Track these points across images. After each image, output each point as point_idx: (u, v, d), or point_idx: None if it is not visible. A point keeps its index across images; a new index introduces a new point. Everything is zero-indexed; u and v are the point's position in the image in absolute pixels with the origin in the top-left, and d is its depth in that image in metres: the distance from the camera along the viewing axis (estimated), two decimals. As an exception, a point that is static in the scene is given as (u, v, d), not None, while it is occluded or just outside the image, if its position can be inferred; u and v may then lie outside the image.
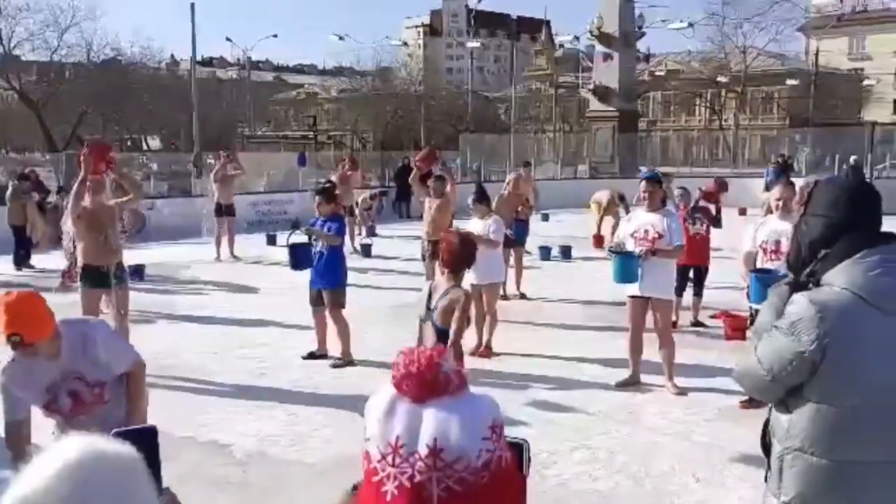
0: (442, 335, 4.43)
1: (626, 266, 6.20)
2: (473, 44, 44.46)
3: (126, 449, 1.14)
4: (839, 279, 2.11)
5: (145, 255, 12.72)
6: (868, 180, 19.69)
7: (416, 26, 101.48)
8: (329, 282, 7.16)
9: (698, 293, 8.62)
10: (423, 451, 1.60)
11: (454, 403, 1.63)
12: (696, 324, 8.52)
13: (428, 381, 1.63)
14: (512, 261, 9.81)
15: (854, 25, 59.29)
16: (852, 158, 22.20)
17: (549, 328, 8.75)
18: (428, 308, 4.54)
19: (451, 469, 1.59)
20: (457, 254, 4.44)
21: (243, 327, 8.72)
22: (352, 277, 11.47)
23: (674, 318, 8.43)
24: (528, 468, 1.94)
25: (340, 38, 36.01)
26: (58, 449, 1.10)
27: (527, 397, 6.33)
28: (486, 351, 7.49)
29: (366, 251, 14.15)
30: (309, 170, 22.90)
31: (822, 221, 2.18)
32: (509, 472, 1.71)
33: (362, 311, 8.19)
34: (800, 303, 2.13)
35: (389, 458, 1.64)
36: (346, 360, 7.19)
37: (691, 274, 8.50)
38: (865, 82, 57.11)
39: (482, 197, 7.96)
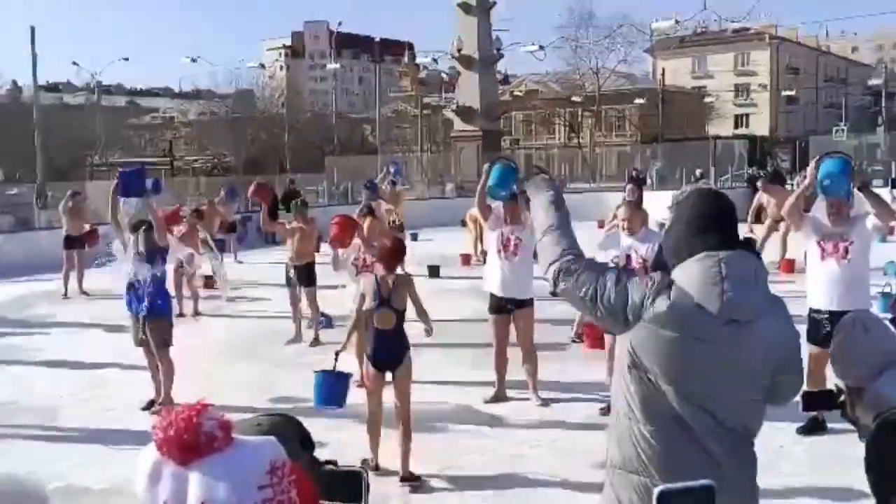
0: (400, 315, 5.07)
1: None
2: (334, 65, 44.31)
3: None
4: (679, 275, 2.15)
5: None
6: (719, 191, 21.14)
7: (277, 48, 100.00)
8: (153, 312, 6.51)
9: None
10: None
11: (222, 459, 1.53)
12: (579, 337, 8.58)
13: (188, 443, 1.51)
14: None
15: (695, 46, 63.65)
16: (697, 171, 23.69)
17: (416, 347, 8.71)
18: (381, 301, 5.02)
19: None
20: (393, 254, 5.23)
21: (93, 369, 8.17)
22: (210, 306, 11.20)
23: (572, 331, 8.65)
24: (366, 497, 1.90)
25: (193, 60, 34.87)
26: None
27: (389, 421, 6.21)
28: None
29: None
30: (165, 197, 21.92)
31: (677, 232, 2.26)
32: None
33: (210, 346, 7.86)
34: (648, 277, 2.20)
35: None
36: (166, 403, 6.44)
37: None
38: (707, 99, 61.28)
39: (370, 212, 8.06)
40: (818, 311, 5.40)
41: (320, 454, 2.05)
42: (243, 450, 1.56)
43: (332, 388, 5.20)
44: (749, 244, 2.26)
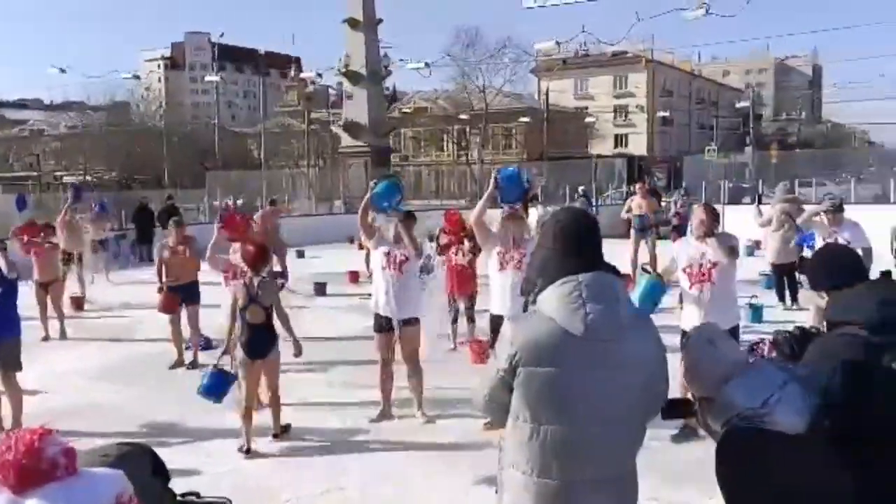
0: (267, 311, 5.89)
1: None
2: (214, 77, 43.11)
3: None
4: (542, 304, 2.22)
5: None
6: (593, 208, 21.63)
7: (156, 59, 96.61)
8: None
9: (471, 319, 8.81)
10: None
11: (63, 490, 1.44)
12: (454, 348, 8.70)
13: (27, 468, 1.43)
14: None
15: (577, 68, 66.00)
16: (580, 188, 24.38)
17: (301, 367, 8.51)
18: (251, 299, 5.84)
19: None
20: (256, 257, 5.97)
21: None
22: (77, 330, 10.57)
23: (452, 346, 8.63)
24: None
25: (62, 71, 33.08)
26: None
27: (273, 444, 6.05)
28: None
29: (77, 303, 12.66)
30: (30, 213, 20.62)
31: (543, 252, 2.32)
32: None
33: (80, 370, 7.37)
34: (504, 326, 2.25)
35: None
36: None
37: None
38: (588, 119, 63.59)
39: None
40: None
41: (190, 483, 1.94)
42: (87, 481, 1.48)
43: (216, 381, 5.87)
44: (609, 264, 2.34)
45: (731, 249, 5.67)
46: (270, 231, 13.03)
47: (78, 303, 12.40)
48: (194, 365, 8.42)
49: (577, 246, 2.25)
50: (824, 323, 2.57)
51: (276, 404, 6.05)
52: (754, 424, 2.15)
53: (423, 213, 23.48)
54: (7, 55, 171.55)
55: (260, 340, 5.82)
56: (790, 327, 2.66)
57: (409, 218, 6.52)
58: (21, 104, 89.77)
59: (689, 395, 2.47)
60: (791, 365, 2.39)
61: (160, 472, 1.75)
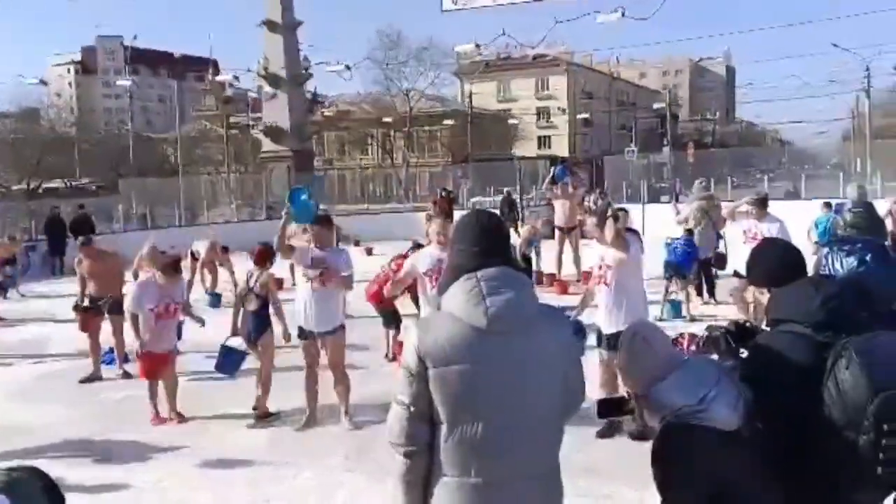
0: (262, 300, 6.69)
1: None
2: (125, 82, 41.75)
3: None
4: (445, 302, 2.22)
5: None
6: (519, 210, 21.80)
7: (66, 63, 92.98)
8: None
9: (396, 325, 8.61)
10: None
11: None
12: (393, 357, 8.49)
13: None
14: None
15: (499, 71, 66.69)
16: (505, 190, 24.63)
17: (216, 381, 8.30)
18: (249, 289, 6.73)
19: None
20: (261, 256, 6.92)
21: None
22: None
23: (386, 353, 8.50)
24: None
25: (-38, 75, 31.64)
26: None
27: (195, 459, 5.86)
28: None
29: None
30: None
31: (456, 250, 2.33)
32: None
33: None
34: (409, 329, 2.27)
35: None
36: None
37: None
38: (512, 121, 64.33)
39: None
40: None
41: (108, 499, 1.83)
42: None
43: (228, 358, 6.89)
44: (513, 261, 2.35)
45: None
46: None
47: None
48: (126, 375, 8.15)
49: (480, 244, 2.28)
50: (756, 318, 2.60)
51: (265, 389, 6.72)
52: (691, 421, 2.17)
53: (347, 219, 23.42)
54: None
55: (256, 325, 6.65)
56: (710, 323, 2.69)
57: (326, 223, 6.39)
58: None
59: (625, 393, 2.48)
60: (727, 361, 2.42)
61: (54, 496, 1.64)
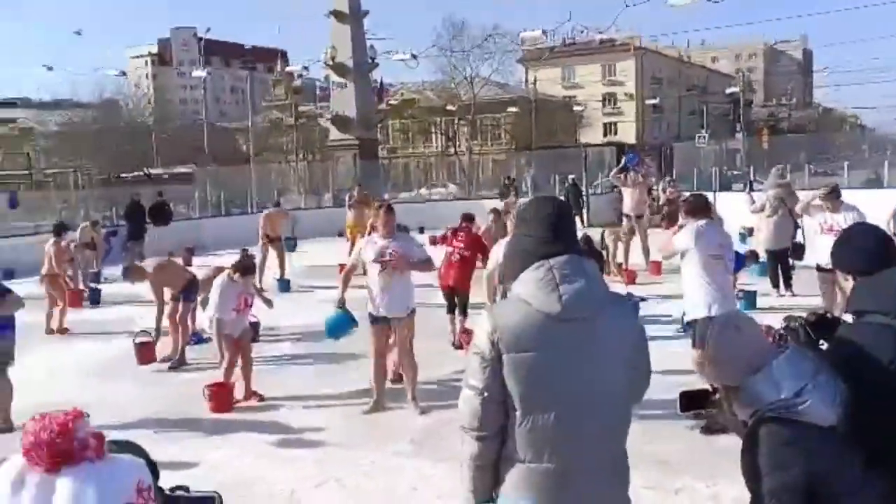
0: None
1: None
2: (200, 73, 42.79)
3: None
4: (517, 289, 2.23)
5: None
6: (583, 197, 21.57)
7: (143, 56, 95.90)
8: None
9: (462, 312, 8.65)
10: None
11: (93, 469, 1.53)
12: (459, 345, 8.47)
13: (61, 448, 1.50)
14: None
15: (565, 57, 65.85)
16: (570, 177, 24.35)
17: (294, 359, 8.48)
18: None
19: None
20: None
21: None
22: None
23: (451, 339, 8.55)
24: None
25: (49, 69, 33.00)
26: None
27: (268, 437, 6.04)
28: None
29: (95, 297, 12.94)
30: (21, 212, 20.50)
31: (521, 237, 2.34)
32: None
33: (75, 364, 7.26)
34: (482, 315, 2.26)
35: None
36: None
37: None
38: (577, 108, 63.49)
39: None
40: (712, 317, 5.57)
41: (180, 477, 1.94)
42: (114, 464, 1.58)
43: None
44: (586, 248, 2.33)
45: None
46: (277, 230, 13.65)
47: (77, 297, 12.41)
48: (181, 362, 8.41)
49: (549, 231, 2.28)
50: (840, 308, 2.51)
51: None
52: (786, 416, 2.09)
53: (411, 207, 23.55)
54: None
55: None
56: (787, 315, 2.60)
57: (390, 211, 6.47)
58: (10, 103, 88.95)
59: (708, 386, 2.41)
60: (812, 353, 2.33)
61: (151, 468, 1.74)
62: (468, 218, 9.34)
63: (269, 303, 7.65)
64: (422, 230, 18.41)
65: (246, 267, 7.28)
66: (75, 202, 27.81)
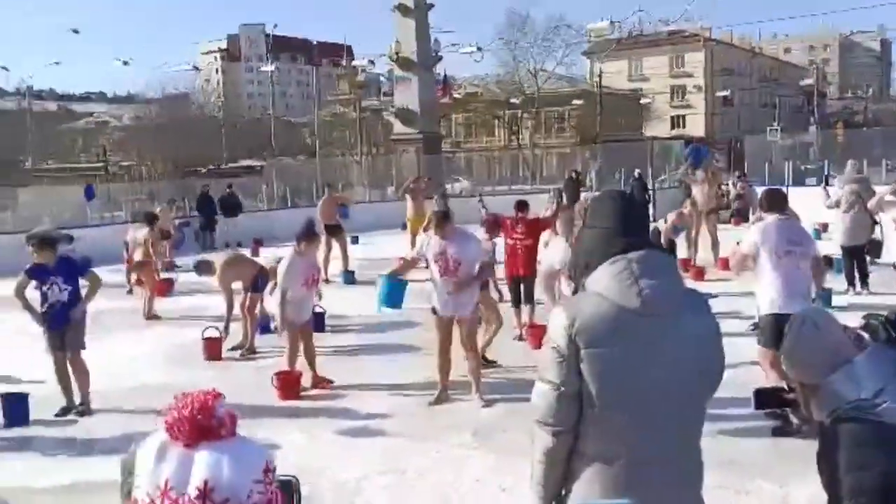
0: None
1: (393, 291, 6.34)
2: (269, 67, 43.64)
3: None
4: (593, 284, 2.19)
5: None
6: (649, 192, 21.22)
7: (213, 51, 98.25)
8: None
9: (529, 302, 8.60)
10: (192, 492, 1.61)
11: (226, 446, 1.66)
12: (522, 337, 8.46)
13: (201, 424, 1.64)
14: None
15: (631, 49, 64.82)
16: (636, 171, 23.97)
17: (353, 354, 8.61)
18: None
19: None
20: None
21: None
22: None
23: (517, 331, 8.53)
24: None
25: (125, 63, 34.17)
26: None
27: (334, 425, 6.15)
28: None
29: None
30: (97, 204, 21.29)
31: (590, 233, 2.31)
32: None
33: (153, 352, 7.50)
34: (556, 311, 2.21)
35: (158, 502, 1.62)
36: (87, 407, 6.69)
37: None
38: (644, 101, 62.43)
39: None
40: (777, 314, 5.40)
41: None
42: (245, 444, 1.71)
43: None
44: (658, 243, 2.29)
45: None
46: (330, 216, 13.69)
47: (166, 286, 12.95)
48: (251, 350, 8.61)
49: (624, 224, 2.25)
50: None
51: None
52: (866, 416, 2.04)
53: (472, 200, 23.48)
54: (71, 51, 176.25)
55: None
56: (865, 313, 2.51)
57: (442, 220, 6.46)
58: (87, 97, 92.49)
59: (783, 384, 2.36)
60: (893, 353, 2.26)
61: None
62: (523, 206, 9.24)
63: (318, 295, 7.77)
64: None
65: (309, 233, 7.38)
66: (147, 194, 28.73)
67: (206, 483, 1.61)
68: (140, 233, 11.55)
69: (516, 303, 8.69)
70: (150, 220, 12.18)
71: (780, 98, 63.42)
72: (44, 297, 6.53)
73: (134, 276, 11.67)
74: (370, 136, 51.77)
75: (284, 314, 6.99)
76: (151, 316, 10.91)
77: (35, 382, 7.13)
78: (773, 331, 5.27)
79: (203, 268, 9.22)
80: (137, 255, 11.35)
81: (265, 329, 9.02)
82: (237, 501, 1.62)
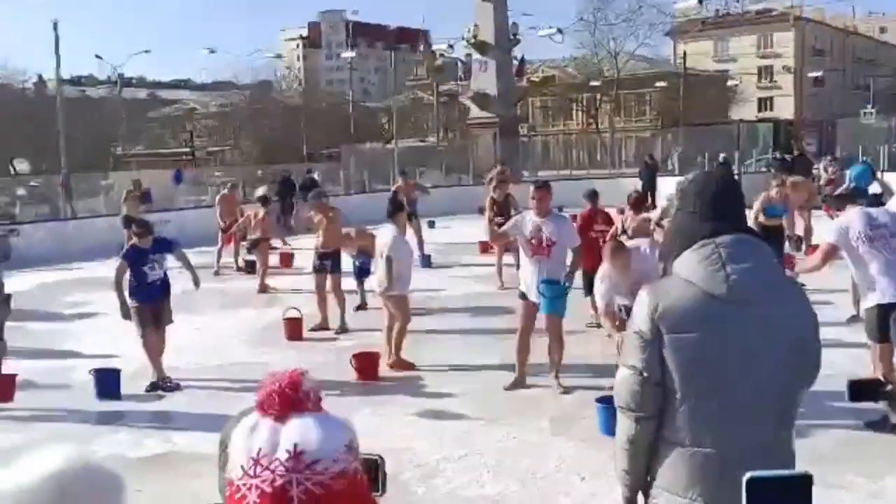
0: None
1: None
2: (349, 53, 44.16)
3: (109, 466, 1.32)
4: (679, 269, 2.14)
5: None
6: (735, 176, 20.64)
7: (294, 38, 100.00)
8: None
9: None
10: (283, 455, 1.68)
11: (314, 418, 1.73)
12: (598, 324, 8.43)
13: (290, 397, 1.71)
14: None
15: (717, 29, 62.79)
16: (721, 156, 23.30)
17: (433, 334, 8.67)
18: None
19: (310, 470, 1.65)
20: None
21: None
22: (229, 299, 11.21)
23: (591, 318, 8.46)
24: (384, 484, 1.93)
25: (212, 52, 35.23)
26: (45, 454, 1.32)
27: (412, 406, 6.21)
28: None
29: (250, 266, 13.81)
30: (186, 187, 22.01)
31: (680, 216, 2.24)
32: (364, 488, 1.77)
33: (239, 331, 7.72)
34: (640, 294, 2.16)
35: (251, 471, 1.68)
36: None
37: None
38: (730, 82, 60.40)
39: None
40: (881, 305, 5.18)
41: None
42: (331, 419, 1.78)
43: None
44: (751, 229, 2.21)
45: None
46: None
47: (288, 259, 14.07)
48: (342, 329, 8.78)
49: (714, 208, 2.17)
50: None
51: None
52: None
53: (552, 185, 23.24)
54: (160, 39, 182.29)
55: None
56: None
57: (545, 189, 6.49)
58: (175, 84, 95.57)
59: (879, 376, 2.28)
60: None
61: None
62: (594, 196, 9.10)
63: None
64: (560, 208, 18.16)
65: (395, 205, 7.65)
66: (233, 178, 29.50)
67: (295, 446, 1.68)
68: (258, 212, 12.50)
69: (590, 291, 8.55)
70: (264, 201, 13.27)
71: (876, 79, 60.33)
72: (143, 275, 6.84)
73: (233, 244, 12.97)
74: (447, 120, 51.80)
75: (402, 294, 7.19)
76: (264, 287, 11.57)
77: (123, 358, 7.44)
78: (880, 322, 5.09)
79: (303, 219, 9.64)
80: (255, 234, 12.21)
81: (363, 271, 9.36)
82: (326, 465, 1.69)
